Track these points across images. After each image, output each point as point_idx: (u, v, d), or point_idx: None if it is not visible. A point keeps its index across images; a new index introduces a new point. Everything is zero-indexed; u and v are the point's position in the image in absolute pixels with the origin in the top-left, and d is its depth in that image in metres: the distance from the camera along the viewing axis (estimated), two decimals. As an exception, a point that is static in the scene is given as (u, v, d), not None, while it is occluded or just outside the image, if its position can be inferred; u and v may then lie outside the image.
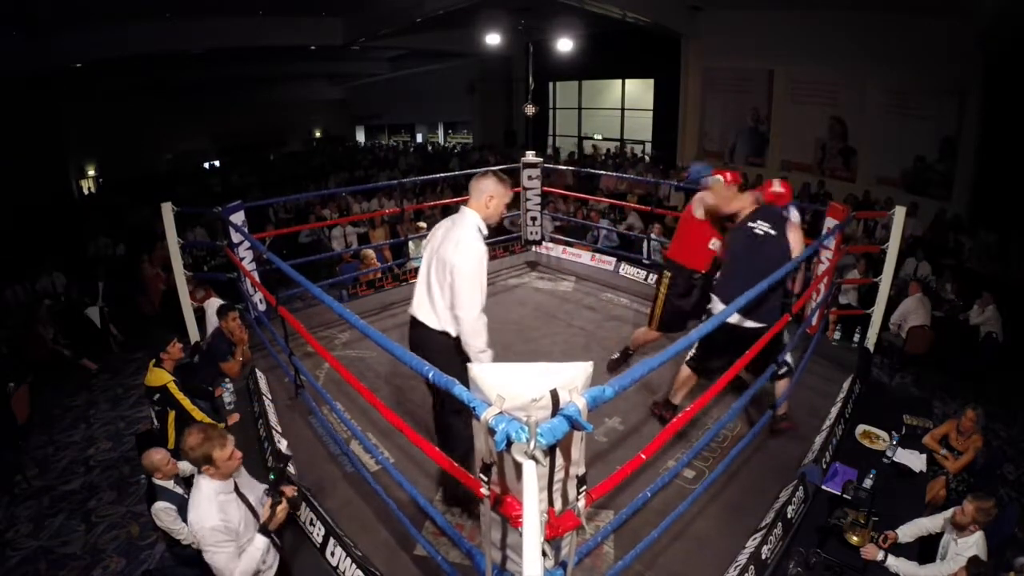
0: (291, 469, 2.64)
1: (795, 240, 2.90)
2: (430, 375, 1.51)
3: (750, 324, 2.80)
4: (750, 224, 2.93)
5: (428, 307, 2.32)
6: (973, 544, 2.37)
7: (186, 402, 3.34)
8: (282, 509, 2.18)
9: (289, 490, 2.29)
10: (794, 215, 3.18)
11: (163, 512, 2.68)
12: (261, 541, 2.11)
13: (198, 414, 3.35)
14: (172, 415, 3.36)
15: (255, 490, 2.26)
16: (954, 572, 2.33)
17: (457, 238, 2.23)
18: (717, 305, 2.94)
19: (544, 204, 6.08)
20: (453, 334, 2.28)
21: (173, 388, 3.33)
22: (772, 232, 2.88)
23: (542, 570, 1.07)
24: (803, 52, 9.57)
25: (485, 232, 2.32)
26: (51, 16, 8.25)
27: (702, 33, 11.01)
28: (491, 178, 2.32)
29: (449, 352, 2.28)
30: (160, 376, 3.36)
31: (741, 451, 2.64)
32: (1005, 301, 5.64)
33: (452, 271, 2.17)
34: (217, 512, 2.01)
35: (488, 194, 2.30)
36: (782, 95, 10.34)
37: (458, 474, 1.70)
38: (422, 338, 2.35)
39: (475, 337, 2.22)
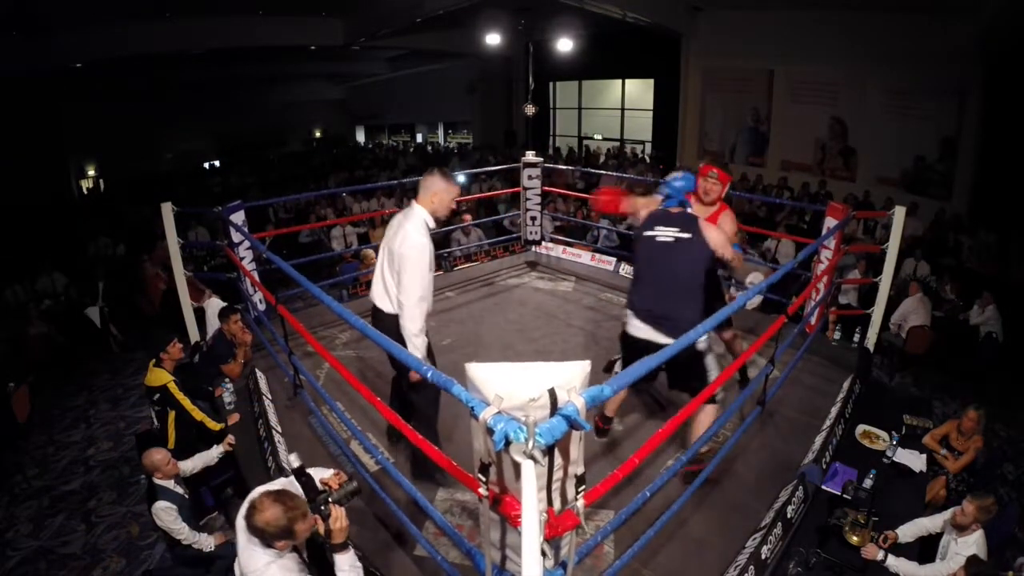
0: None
1: (714, 238, 2.53)
2: (428, 374, 1.51)
3: (663, 340, 2.47)
4: (646, 233, 2.59)
5: (383, 293, 2.57)
6: (973, 543, 2.37)
7: (186, 402, 3.34)
8: (335, 518, 1.77)
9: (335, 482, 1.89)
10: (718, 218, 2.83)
11: (163, 512, 2.68)
12: (344, 560, 1.79)
13: (198, 414, 3.35)
14: (172, 415, 3.36)
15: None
16: (953, 572, 2.33)
17: (405, 231, 2.45)
18: (631, 321, 2.63)
19: (544, 204, 6.09)
20: None
21: (173, 388, 3.33)
22: (682, 236, 2.53)
23: (542, 570, 1.07)
24: (803, 52, 9.57)
25: (432, 225, 2.54)
26: (51, 16, 8.25)
27: (702, 33, 11.00)
28: (436, 175, 2.53)
29: (400, 333, 2.49)
30: (160, 376, 3.36)
31: (732, 448, 2.64)
32: (1005, 301, 5.64)
33: (399, 261, 2.42)
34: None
35: (432, 191, 2.51)
36: (782, 95, 10.33)
37: (457, 474, 1.70)
38: (378, 321, 2.59)
39: (411, 321, 2.44)
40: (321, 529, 1.76)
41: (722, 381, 2.40)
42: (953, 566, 2.33)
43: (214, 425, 3.34)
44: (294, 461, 1.84)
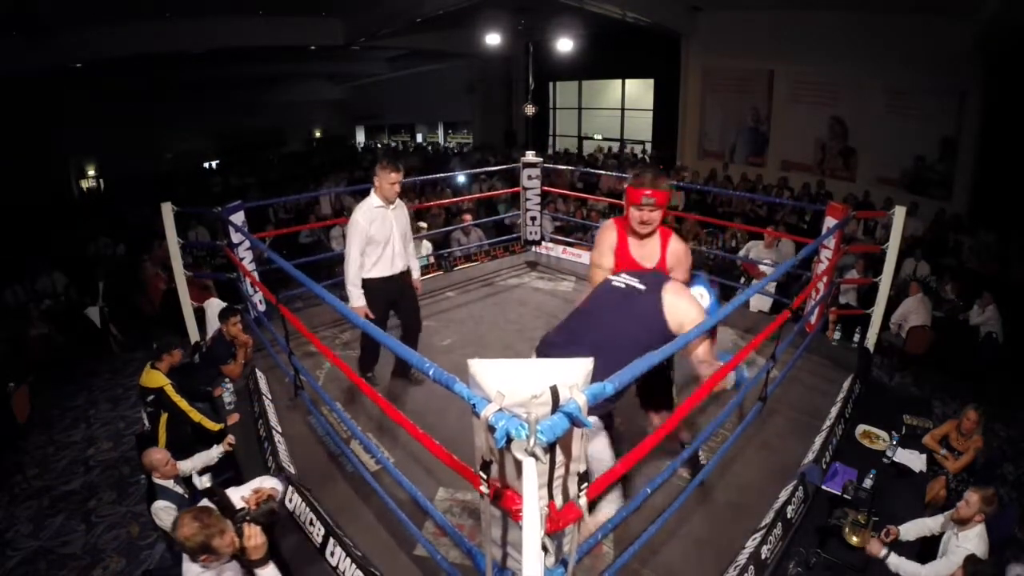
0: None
1: (679, 311, 1.98)
2: (431, 372, 1.51)
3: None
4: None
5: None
6: (975, 536, 2.37)
7: (183, 404, 3.34)
8: (248, 536, 1.90)
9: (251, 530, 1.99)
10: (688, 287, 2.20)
11: (163, 511, 2.68)
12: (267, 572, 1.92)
13: (196, 415, 3.35)
14: (164, 417, 3.37)
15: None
16: (953, 573, 2.32)
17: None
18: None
19: (544, 204, 6.08)
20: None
21: (171, 391, 3.34)
22: (639, 287, 2.06)
23: (542, 568, 1.07)
24: (803, 52, 9.57)
25: (378, 203, 3.28)
26: (51, 16, 8.25)
27: (702, 33, 11.01)
28: (378, 164, 3.26)
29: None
30: (157, 378, 3.36)
31: (732, 447, 2.64)
32: (1005, 301, 5.64)
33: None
34: None
35: (376, 176, 3.25)
36: (782, 95, 10.33)
37: (459, 468, 1.70)
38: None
39: (345, 277, 3.32)
40: (237, 546, 1.87)
41: (719, 379, 2.39)
42: (956, 560, 2.33)
43: (212, 426, 3.34)
44: (205, 482, 1.90)
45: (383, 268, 3.37)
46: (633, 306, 2.00)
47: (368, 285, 3.33)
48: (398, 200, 3.37)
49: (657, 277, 2.12)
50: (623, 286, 2.09)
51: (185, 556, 1.83)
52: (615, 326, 1.97)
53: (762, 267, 5.23)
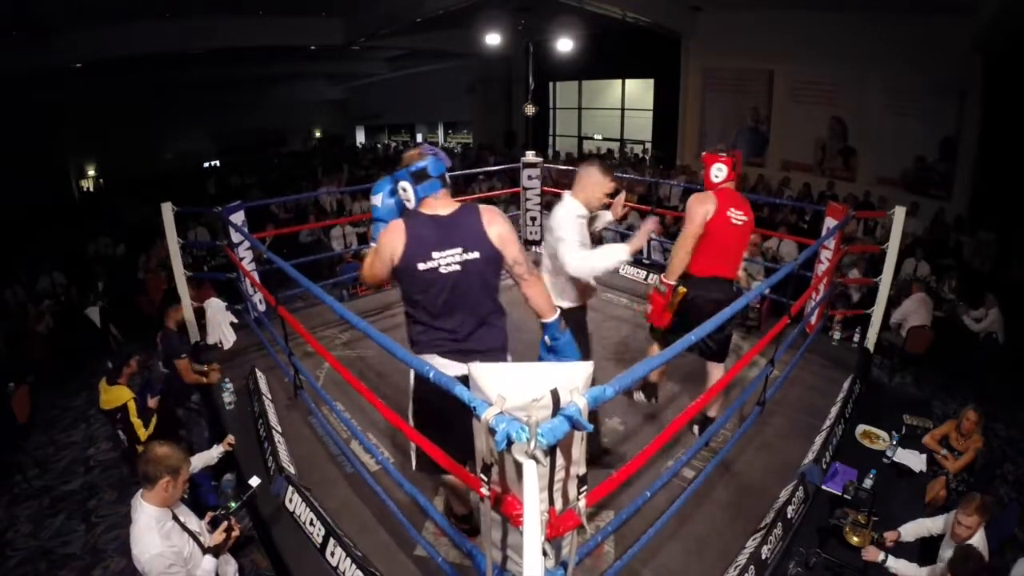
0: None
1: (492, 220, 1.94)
2: (431, 375, 1.51)
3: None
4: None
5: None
6: (975, 541, 2.37)
7: (140, 429, 3.30)
8: (234, 538, 2.30)
9: (238, 528, 2.35)
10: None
11: None
12: (209, 562, 2.18)
13: (141, 431, 3.32)
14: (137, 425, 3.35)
15: (192, 519, 2.31)
16: None
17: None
18: (435, 361, 1.94)
19: (544, 204, 6.08)
20: None
21: (132, 406, 3.30)
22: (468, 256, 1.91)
23: (543, 570, 1.07)
24: (803, 52, 9.57)
25: (582, 213, 2.53)
26: (51, 16, 8.25)
27: (702, 33, 11.00)
28: (588, 163, 2.60)
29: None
30: (119, 395, 3.32)
31: (732, 449, 2.64)
32: (1005, 301, 5.64)
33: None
34: (161, 540, 2.04)
35: (585, 177, 2.58)
36: (782, 95, 10.33)
37: (460, 474, 1.70)
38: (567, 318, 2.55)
39: (597, 263, 2.47)
40: (219, 535, 2.24)
41: (727, 380, 2.40)
42: None
43: (143, 433, 3.31)
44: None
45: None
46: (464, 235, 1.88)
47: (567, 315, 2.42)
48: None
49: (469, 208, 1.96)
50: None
51: (142, 527, 2.07)
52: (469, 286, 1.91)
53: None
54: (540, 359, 2.19)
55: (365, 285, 2.16)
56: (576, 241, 2.44)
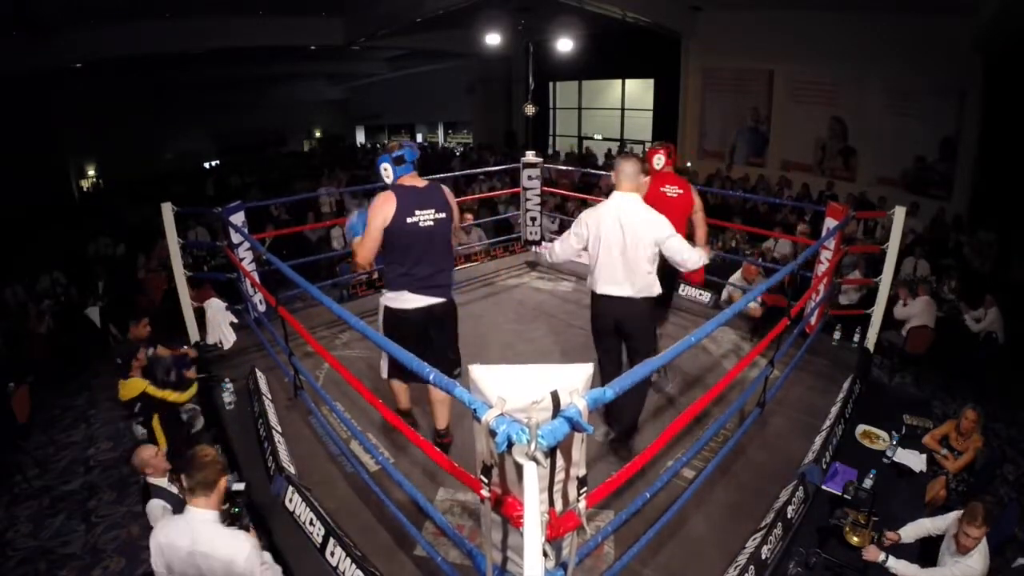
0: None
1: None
2: (431, 377, 1.51)
3: (438, 299, 2.66)
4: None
5: (626, 282, 2.80)
6: (977, 552, 2.37)
7: (168, 395, 3.43)
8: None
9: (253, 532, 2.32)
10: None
11: (160, 510, 2.66)
12: (267, 555, 2.17)
13: (181, 396, 3.47)
14: (155, 418, 3.39)
15: None
16: None
17: (649, 219, 2.75)
18: (404, 297, 2.61)
19: (544, 204, 6.08)
20: None
21: (151, 390, 3.38)
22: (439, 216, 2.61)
23: (543, 570, 1.07)
24: (803, 52, 9.57)
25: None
26: (51, 16, 8.25)
27: (702, 33, 11.00)
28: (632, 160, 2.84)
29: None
30: (135, 385, 3.38)
31: (732, 449, 2.64)
32: (1005, 301, 5.64)
33: (665, 240, 2.76)
34: (245, 538, 1.91)
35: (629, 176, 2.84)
36: (782, 95, 10.33)
37: (459, 475, 1.70)
38: (624, 309, 2.85)
39: (692, 258, 2.79)
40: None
41: (729, 380, 2.40)
42: (957, 572, 2.33)
43: (179, 396, 3.47)
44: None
45: None
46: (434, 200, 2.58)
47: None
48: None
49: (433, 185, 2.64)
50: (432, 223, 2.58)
51: (217, 533, 1.87)
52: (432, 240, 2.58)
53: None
54: None
55: (358, 267, 2.67)
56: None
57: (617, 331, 2.88)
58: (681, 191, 3.53)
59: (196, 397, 3.67)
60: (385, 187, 2.59)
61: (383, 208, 2.47)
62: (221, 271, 5.47)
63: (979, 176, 8.08)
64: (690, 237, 3.44)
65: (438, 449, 1.80)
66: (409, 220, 2.49)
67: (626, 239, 2.66)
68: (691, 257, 2.72)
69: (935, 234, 7.84)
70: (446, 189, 2.65)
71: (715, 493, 2.70)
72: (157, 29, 9.88)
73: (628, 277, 2.71)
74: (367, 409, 3.31)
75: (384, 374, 2.85)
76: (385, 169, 2.57)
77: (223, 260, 7.11)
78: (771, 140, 10.71)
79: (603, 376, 2.88)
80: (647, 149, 3.58)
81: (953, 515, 2.52)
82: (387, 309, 2.68)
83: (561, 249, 2.94)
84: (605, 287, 2.78)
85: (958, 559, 2.37)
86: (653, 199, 3.23)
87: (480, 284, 5.50)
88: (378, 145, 20.66)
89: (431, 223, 2.54)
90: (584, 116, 15.21)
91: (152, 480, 2.74)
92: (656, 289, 2.79)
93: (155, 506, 2.67)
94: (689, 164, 11.62)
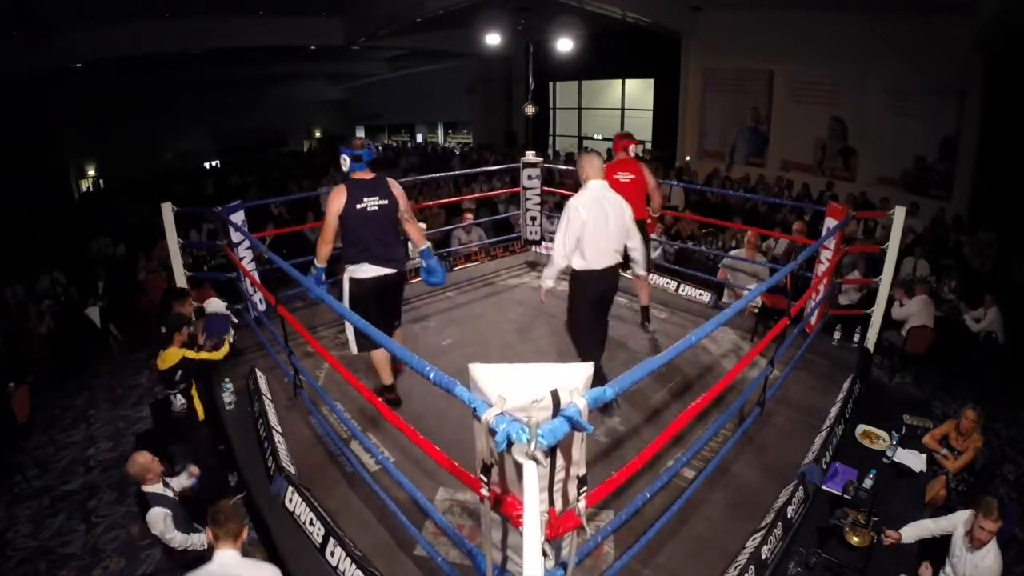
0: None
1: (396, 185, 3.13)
2: (431, 375, 1.51)
3: (391, 270, 3.14)
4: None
5: (615, 255, 3.33)
6: (989, 551, 2.37)
7: (205, 355, 3.49)
8: None
9: None
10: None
11: (161, 519, 2.64)
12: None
13: (218, 355, 3.54)
14: (193, 388, 3.39)
15: None
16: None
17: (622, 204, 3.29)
18: (364, 268, 3.07)
19: (543, 204, 6.08)
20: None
21: (191, 354, 3.39)
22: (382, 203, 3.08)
23: (543, 570, 1.07)
24: (803, 52, 9.56)
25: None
26: (51, 16, 8.25)
27: (702, 33, 11.00)
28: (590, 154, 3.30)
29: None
30: (174, 354, 3.33)
31: (732, 449, 2.64)
32: (1005, 301, 5.64)
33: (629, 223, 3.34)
34: (267, 566, 2.08)
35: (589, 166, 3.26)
36: (782, 95, 10.33)
37: (459, 474, 1.70)
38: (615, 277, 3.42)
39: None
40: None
41: (729, 380, 2.40)
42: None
43: (217, 355, 3.54)
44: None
45: None
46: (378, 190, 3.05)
47: None
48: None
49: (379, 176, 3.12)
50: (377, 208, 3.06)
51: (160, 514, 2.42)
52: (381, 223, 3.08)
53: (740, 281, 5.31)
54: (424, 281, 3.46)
55: (321, 248, 3.15)
56: None
57: (602, 299, 3.33)
58: (633, 175, 4.13)
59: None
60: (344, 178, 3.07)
61: (337, 198, 2.97)
62: (221, 271, 5.47)
63: (979, 176, 8.07)
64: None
65: (437, 449, 1.79)
66: (358, 207, 2.99)
67: (610, 217, 3.13)
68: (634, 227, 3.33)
69: (935, 234, 7.84)
70: (392, 181, 3.12)
71: (715, 493, 2.70)
72: (157, 29, 9.89)
73: (617, 248, 3.23)
74: (367, 409, 3.31)
75: (354, 350, 3.17)
76: (344, 160, 3.04)
77: (223, 260, 7.11)
78: (771, 140, 10.71)
79: (595, 342, 3.31)
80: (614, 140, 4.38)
81: (959, 514, 2.51)
82: (351, 280, 3.13)
83: (560, 252, 3.19)
84: (601, 260, 3.16)
85: (971, 555, 2.39)
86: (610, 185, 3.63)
87: (480, 284, 5.50)
88: (378, 146, 20.65)
89: (376, 208, 3.03)
90: (584, 116, 15.21)
91: (148, 488, 2.71)
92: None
93: (156, 515, 2.64)
94: (688, 159, 11.64)
